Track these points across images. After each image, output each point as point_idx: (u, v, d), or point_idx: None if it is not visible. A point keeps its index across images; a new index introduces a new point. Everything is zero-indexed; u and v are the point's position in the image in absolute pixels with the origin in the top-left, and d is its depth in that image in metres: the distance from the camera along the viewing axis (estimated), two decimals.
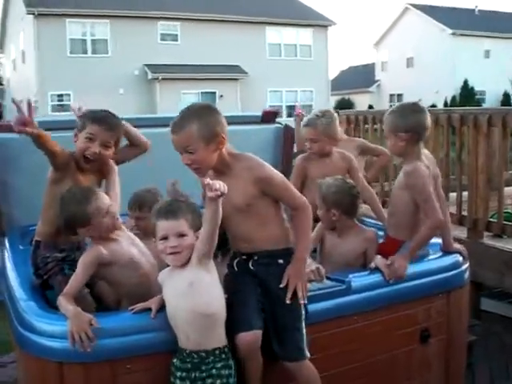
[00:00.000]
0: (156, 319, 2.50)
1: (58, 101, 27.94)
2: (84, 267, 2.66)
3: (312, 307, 2.72)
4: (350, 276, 2.95)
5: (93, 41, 28.41)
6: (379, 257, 3.12)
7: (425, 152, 3.26)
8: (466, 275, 3.35)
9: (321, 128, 3.90)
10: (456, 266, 3.29)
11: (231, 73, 29.89)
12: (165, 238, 2.48)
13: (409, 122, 3.11)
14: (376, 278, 3.01)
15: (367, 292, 2.95)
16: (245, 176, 2.61)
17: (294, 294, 2.61)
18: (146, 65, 28.44)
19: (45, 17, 26.68)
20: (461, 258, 3.32)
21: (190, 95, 28.86)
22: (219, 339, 2.48)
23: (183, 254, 2.48)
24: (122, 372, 2.45)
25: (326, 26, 33.29)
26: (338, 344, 2.87)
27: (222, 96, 29.68)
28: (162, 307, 2.52)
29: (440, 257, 3.30)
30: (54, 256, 2.96)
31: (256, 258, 2.69)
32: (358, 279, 2.95)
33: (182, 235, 2.47)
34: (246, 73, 30.18)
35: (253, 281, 2.68)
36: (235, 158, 2.66)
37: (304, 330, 2.64)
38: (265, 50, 31.60)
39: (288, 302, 2.58)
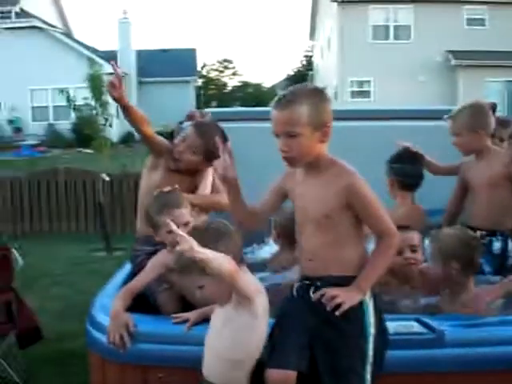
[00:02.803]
0: (193, 332, 2.35)
1: (358, 87, 28.55)
2: (151, 268, 2.67)
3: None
4: (447, 323, 2.36)
5: (395, 27, 28.17)
6: None
7: None
8: None
9: (460, 120, 3.38)
10: None
11: None
12: None
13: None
14: (487, 330, 2.37)
15: (468, 348, 2.33)
16: (332, 183, 2.24)
17: (358, 327, 2.19)
18: (449, 51, 27.19)
19: (348, 4, 27.36)
20: None
21: (494, 83, 26.86)
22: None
23: (217, 299, 2.27)
24: (153, 379, 2.37)
25: None
26: None
27: None
28: (204, 321, 2.36)
29: None
30: (145, 249, 3.00)
31: (319, 284, 2.29)
32: (456, 329, 2.35)
33: (200, 287, 2.23)
34: None
35: (307, 311, 2.29)
36: (330, 162, 2.29)
37: (368, 378, 2.18)
38: None
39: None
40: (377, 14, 27.99)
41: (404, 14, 27.92)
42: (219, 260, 2.03)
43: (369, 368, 2.19)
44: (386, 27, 28.26)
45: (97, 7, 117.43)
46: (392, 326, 2.32)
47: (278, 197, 2.43)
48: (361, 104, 25.64)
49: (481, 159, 3.46)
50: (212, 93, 44.96)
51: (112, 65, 2.88)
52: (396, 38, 28.24)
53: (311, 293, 2.30)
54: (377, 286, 2.31)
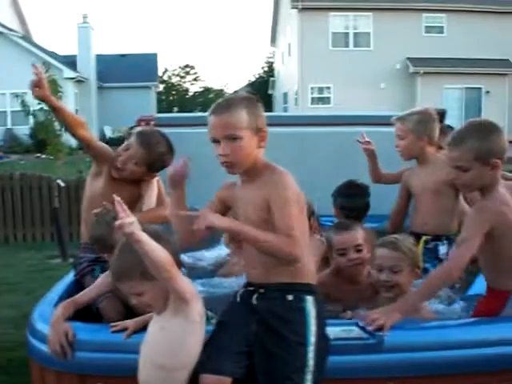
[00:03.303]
0: (132, 340, 2.32)
1: (318, 93, 28.79)
2: (102, 284, 2.63)
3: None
4: None
5: (355, 34, 28.54)
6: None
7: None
8: None
9: (408, 125, 3.41)
10: None
11: (499, 67, 27.45)
12: None
13: None
14: (426, 335, 2.40)
15: (408, 353, 2.34)
16: (265, 186, 2.22)
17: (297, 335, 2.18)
18: (409, 58, 27.69)
19: (308, 10, 27.55)
20: None
21: (453, 90, 27.46)
22: None
23: (153, 306, 2.23)
24: None
25: None
26: None
27: (488, 92, 27.69)
28: (144, 329, 2.32)
29: None
30: (87, 256, 2.97)
31: (263, 291, 2.29)
32: (396, 334, 2.35)
33: (139, 294, 2.20)
34: None
35: (248, 318, 2.28)
36: (264, 166, 2.28)
37: None
38: None
39: None
40: (337, 21, 28.29)
41: (364, 22, 28.28)
42: (157, 247, 2.02)
43: (309, 377, 2.16)
44: (346, 34, 28.59)
45: (57, 11, 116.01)
46: (332, 330, 2.32)
47: (220, 204, 2.41)
48: (321, 110, 25.85)
49: (423, 166, 3.50)
50: (173, 98, 44.75)
51: (32, 65, 2.84)
52: (356, 45, 28.58)
53: (253, 299, 2.30)
54: (319, 287, 2.32)
